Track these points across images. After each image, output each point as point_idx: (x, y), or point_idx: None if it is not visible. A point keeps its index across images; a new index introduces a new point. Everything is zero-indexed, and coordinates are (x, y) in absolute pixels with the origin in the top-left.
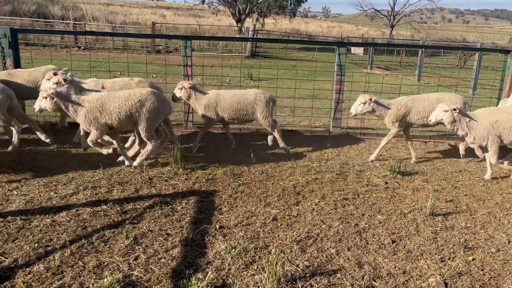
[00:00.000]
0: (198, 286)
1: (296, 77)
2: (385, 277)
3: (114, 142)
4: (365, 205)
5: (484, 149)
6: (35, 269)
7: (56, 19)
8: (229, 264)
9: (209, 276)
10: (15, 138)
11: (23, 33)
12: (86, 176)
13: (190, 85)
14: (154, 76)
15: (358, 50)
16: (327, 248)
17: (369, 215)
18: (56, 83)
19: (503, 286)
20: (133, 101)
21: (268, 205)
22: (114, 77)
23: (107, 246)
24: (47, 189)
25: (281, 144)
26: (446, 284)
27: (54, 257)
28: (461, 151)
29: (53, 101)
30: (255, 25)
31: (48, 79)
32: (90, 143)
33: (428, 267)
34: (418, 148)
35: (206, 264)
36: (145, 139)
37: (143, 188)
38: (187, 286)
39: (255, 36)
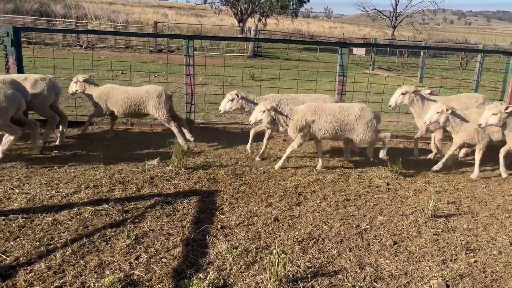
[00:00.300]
0: (200, 286)
1: (298, 77)
2: (386, 278)
3: None
4: (366, 206)
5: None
6: (36, 267)
7: (58, 17)
8: (230, 264)
9: (211, 276)
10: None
11: (25, 32)
12: (87, 175)
13: (84, 78)
14: (156, 75)
15: (360, 51)
16: (329, 249)
17: (370, 216)
18: None
19: None
20: None
21: (269, 205)
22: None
23: (109, 245)
24: (49, 187)
25: (180, 140)
26: (448, 286)
27: (55, 255)
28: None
29: None
30: (257, 25)
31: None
32: None
33: (430, 269)
34: (420, 149)
35: (208, 264)
36: None
37: (144, 187)
38: (188, 286)
39: (257, 36)
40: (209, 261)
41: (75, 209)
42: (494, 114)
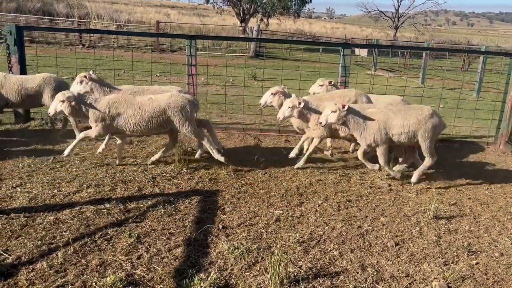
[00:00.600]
0: (201, 286)
1: (300, 78)
2: (388, 280)
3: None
4: (368, 207)
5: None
6: (38, 266)
7: (61, 16)
8: (231, 265)
9: (212, 276)
10: None
11: (28, 30)
12: (89, 174)
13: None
14: (158, 75)
15: (362, 52)
16: (330, 250)
17: (372, 217)
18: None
19: None
20: None
21: (271, 205)
22: (118, 75)
23: (110, 244)
24: (51, 186)
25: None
26: None
27: (57, 254)
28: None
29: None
30: (259, 25)
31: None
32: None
33: (432, 270)
34: None
35: (209, 264)
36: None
37: (146, 187)
38: (189, 286)
39: (259, 36)
40: (211, 261)
41: (77, 208)
42: (333, 112)
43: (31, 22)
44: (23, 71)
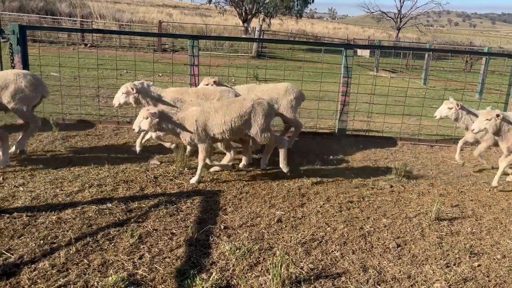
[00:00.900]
0: (203, 287)
1: (302, 78)
2: (389, 281)
3: None
4: (370, 208)
5: None
6: (40, 266)
7: (63, 16)
8: (233, 265)
9: (214, 277)
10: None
11: (30, 30)
12: (91, 174)
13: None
14: (160, 74)
15: (365, 53)
16: (332, 251)
17: (374, 219)
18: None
19: None
20: None
21: (272, 206)
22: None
23: (112, 244)
24: (53, 186)
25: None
26: None
27: (59, 254)
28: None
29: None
30: (261, 25)
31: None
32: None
33: (433, 272)
34: (424, 152)
35: (211, 264)
36: None
37: (148, 187)
38: (191, 286)
39: (261, 37)
40: (212, 261)
41: (79, 208)
42: (144, 118)
43: (33, 21)
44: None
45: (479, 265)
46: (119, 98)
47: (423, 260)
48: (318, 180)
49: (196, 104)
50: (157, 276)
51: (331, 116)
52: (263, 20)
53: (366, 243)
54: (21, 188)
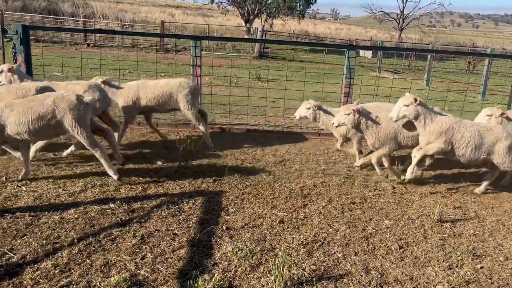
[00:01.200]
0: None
1: (304, 79)
2: (392, 283)
3: None
4: (372, 209)
5: None
6: (43, 265)
7: (66, 16)
8: (235, 266)
9: (216, 278)
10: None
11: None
12: (94, 174)
13: None
14: (163, 75)
15: (367, 53)
16: (334, 252)
17: (376, 220)
18: None
19: None
20: None
21: (275, 207)
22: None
23: (115, 244)
24: (56, 186)
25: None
26: None
27: (62, 254)
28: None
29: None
30: (263, 25)
31: None
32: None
33: (436, 274)
34: None
35: (213, 265)
36: None
37: (150, 187)
38: (193, 287)
39: (263, 37)
40: (214, 262)
41: (82, 208)
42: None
43: (36, 21)
44: (29, 71)
45: (481, 267)
46: None
47: (425, 262)
48: (320, 181)
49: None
50: (159, 277)
51: None
52: (266, 20)
53: (368, 245)
54: (24, 188)
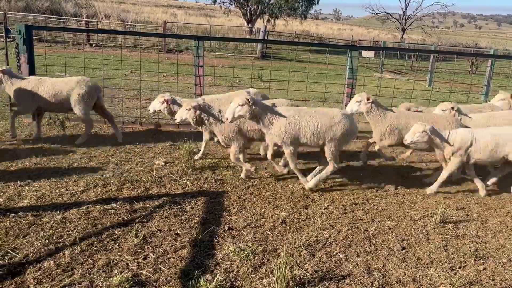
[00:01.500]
0: None
1: (307, 79)
2: (394, 284)
3: None
4: (374, 210)
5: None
6: (45, 265)
7: (69, 16)
8: (237, 266)
9: (218, 278)
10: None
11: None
12: (96, 174)
13: None
14: (165, 75)
15: (369, 54)
16: (336, 253)
17: (378, 221)
18: None
19: None
20: None
21: (277, 207)
22: (125, 75)
23: (117, 244)
24: (58, 185)
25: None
26: None
27: (64, 254)
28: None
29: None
30: (266, 26)
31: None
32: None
33: (438, 275)
34: (429, 154)
35: (215, 265)
36: None
37: (152, 187)
38: (195, 287)
39: (266, 37)
40: (216, 262)
41: (84, 208)
42: None
43: (39, 21)
44: (32, 70)
45: (484, 269)
46: None
47: (428, 263)
48: (322, 181)
49: None
50: (161, 277)
51: None
52: (268, 21)
53: (370, 246)
54: (26, 188)
